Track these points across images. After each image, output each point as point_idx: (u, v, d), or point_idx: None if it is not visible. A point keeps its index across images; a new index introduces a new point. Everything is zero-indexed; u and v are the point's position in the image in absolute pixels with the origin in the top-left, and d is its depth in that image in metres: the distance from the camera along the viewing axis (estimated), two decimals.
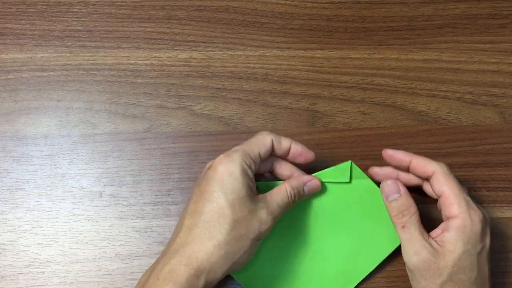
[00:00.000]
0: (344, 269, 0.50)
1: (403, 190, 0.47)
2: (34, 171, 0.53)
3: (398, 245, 0.49)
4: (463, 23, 0.60)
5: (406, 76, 0.58)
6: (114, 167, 0.54)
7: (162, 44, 0.57)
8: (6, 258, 0.51)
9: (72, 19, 0.58)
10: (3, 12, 0.58)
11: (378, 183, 0.50)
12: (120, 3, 0.59)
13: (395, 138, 0.56)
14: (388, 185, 0.48)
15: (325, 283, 0.49)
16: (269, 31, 0.59)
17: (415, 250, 0.45)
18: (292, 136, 0.55)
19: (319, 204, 0.50)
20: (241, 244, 0.43)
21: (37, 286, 0.50)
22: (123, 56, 0.57)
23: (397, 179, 0.49)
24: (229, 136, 0.55)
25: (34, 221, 0.52)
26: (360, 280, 0.50)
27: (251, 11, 0.59)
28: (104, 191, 0.53)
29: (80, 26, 0.58)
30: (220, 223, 0.42)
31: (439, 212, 0.48)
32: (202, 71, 0.57)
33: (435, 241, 0.45)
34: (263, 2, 0.60)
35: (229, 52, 0.58)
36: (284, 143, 0.48)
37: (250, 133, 0.55)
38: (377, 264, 0.50)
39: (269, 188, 0.48)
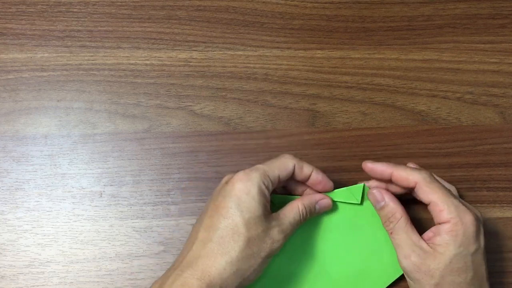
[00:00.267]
0: None
1: (387, 197, 0.47)
2: (34, 171, 0.53)
3: None
4: (463, 23, 0.60)
5: (406, 76, 0.58)
6: (114, 167, 0.54)
7: (162, 44, 0.57)
8: (6, 258, 0.51)
9: (72, 19, 0.58)
10: (3, 12, 0.58)
11: None
12: (120, 3, 0.59)
13: (395, 138, 0.56)
14: (372, 194, 0.48)
15: None
16: (269, 31, 0.59)
17: (404, 254, 0.46)
18: (292, 136, 0.55)
19: (328, 224, 0.50)
20: (253, 261, 0.43)
21: (37, 286, 0.50)
22: (123, 56, 0.57)
23: (389, 180, 0.49)
24: (229, 136, 0.55)
25: (34, 221, 0.52)
26: None
27: (251, 11, 0.59)
28: (104, 191, 0.53)
29: (80, 26, 0.58)
30: (234, 240, 0.42)
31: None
32: (202, 71, 0.57)
33: (427, 243, 0.45)
34: (263, 2, 0.60)
35: (229, 52, 0.58)
36: (306, 170, 0.48)
37: (250, 133, 0.55)
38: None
39: (282, 201, 0.48)
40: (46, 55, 0.57)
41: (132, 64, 0.57)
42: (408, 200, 0.51)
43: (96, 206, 0.53)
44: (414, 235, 0.46)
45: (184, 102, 0.56)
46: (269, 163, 0.46)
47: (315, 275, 0.49)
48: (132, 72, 0.57)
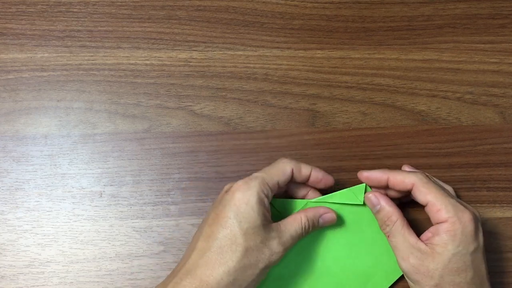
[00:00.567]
0: None
1: (382, 201, 0.47)
2: (34, 171, 0.53)
3: None
4: (463, 23, 0.60)
5: (406, 76, 0.58)
6: (114, 167, 0.54)
7: (162, 44, 0.57)
8: (6, 258, 0.51)
9: (72, 19, 0.58)
10: (3, 12, 0.58)
11: None
12: (120, 3, 0.59)
13: (395, 138, 0.56)
14: (368, 199, 0.48)
15: None
16: (269, 31, 0.59)
17: (402, 256, 0.46)
18: (292, 136, 0.55)
19: (330, 227, 0.50)
20: (250, 272, 0.43)
21: (37, 286, 0.50)
22: (123, 56, 0.57)
23: (387, 186, 0.49)
24: (229, 136, 0.55)
25: (34, 221, 0.52)
26: None
27: (251, 11, 0.59)
28: (104, 191, 0.53)
29: (80, 26, 0.58)
30: (232, 250, 0.43)
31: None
32: (202, 71, 0.57)
33: (425, 243, 0.45)
34: (263, 2, 0.60)
35: (229, 52, 0.58)
36: (304, 171, 0.48)
37: (250, 133, 0.55)
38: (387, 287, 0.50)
39: (282, 205, 0.48)
40: (46, 55, 0.57)
41: (132, 64, 0.57)
42: (404, 202, 0.51)
43: (96, 206, 0.53)
44: (412, 237, 0.46)
45: (184, 102, 0.56)
46: (267, 169, 0.47)
47: (317, 276, 0.49)
48: (132, 72, 0.57)
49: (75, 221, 0.52)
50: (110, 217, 0.52)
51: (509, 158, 0.56)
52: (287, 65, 0.58)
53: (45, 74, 0.56)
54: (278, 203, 0.49)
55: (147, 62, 0.57)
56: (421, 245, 0.45)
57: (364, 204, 0.50)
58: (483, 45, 0.59)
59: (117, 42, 0.57)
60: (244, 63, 0.57)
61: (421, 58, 0.58)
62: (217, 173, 0.54)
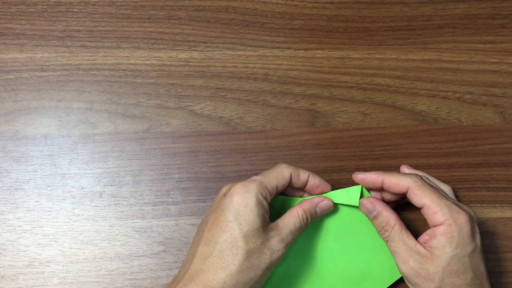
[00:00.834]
0: None
1: (378, 206, 0.47)
2: (34, 171, 0.53)
3: None
4: (463, 23, 0.60)
5: (406, 76, 0.58)
6: (114, 167, 0.54)
7: (162, 44, 0.57)
8: (6, 258, 0.51)
9: (72, 19, 0.58)
10: (3, 12, 0.58)
11: None
12: (120, 3, 0.59)
13: (395, 138, 0.56)
14: (363, 204, 0.48)
15: None
16: (269, 31, 0.59)
17: (402, 260, 0.46)
18: (292, 136, 0.55)
19: (327, 226, 0.50)
20: (252, 274, 0.43)
21: (37, 286, 0.50)
22: (123, 56, 0.57)
23: (382, 188, 0.48)
24: (229, 136, 0.55)
25: (34, 221, 0.52)
26: None
27: (251, 11, 0.59)
28: (104, 191, 0.53)
29: (80, 26, 0.58)
30: (233, 254, 0.43)
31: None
32: (202, 71, 0.57)
33: (424, 247, 0.45)
34: (263, 2, 0.60)
35: (229, 52, 0.58)
36: (302, 177, 0.48)
37: (250, 133, 0.55)
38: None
39: (281, 203, 0.48)
40: (46, 55, 0.57)
41: (132, 64, 0.57)
42: (401, 204, 0.51)
43: (96, 206, 0.53)
44: (410, 240, 0.46)
45: (184, 102, 0.56)
46: (266, 173, 0.47)
47: (314, 278, 0.49)
48: (132, 72, 0.57)
49: (75, 221, 0.52)
50: (110, 217, 0.52)
51: (509, 158, 0.56)
52: (287, 65, 0.58)
53: (45, 74, 0.56)
54: (275, 200, 0.49)
55: (147, 62, 0.57)
56: (420, 248, 0.45)
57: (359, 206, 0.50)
58: (483, 45, 0.59)
59: (117, 42, 0.57)
60: (244, 63, 0.57)
61: (421, 58, 0.58)
62: (217, 173, 0.54)
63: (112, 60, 0.57)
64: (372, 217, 0.48)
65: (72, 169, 0.54)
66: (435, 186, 0.48)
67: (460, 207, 0.46)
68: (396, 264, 0.47)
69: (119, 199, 0.53)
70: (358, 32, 0.59)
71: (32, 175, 0.53)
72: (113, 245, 0.52)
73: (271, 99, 0.57)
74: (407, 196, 0.47)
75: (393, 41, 0.59)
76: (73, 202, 0.53)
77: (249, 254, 0.43)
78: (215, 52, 0.58)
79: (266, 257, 0.44)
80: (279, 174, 0.47)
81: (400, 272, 0.46)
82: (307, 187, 0.49)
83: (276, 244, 0.44)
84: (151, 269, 0.51)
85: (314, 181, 0.48)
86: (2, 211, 0.52)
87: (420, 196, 0.46)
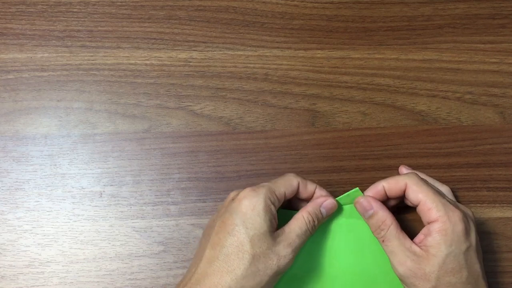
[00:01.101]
0: None
1: (375, 205, 0.47)
2: (34, 171, 0.53)
3: None
4: (463, 23, 0.60)
5: (406, 76, 0.58)
6: (114, 167, 0.54)
7: (162, 44, 0.57)
8: (6, 258, 0.51)
9: (72, 19, 0.58)
10: (3, 12, 0.58)
11: None
12: (120, 3, 0.59)
13: (395, 138, 0.56)
14: (360, 203, 0.48)
15: None
16: (269, 31, 0.59)
17: (399, 261, 0.45)
18: (292, 136, 0.55)
19: (335, 233, 0.49)
20: (258, 279, 0.43)
21: (37, 286, 0.50)
22: (123, 56, 0.57)
23: (386, 196, 0.48)
24: (229, 136, 0.55)
25: (34, 221, 0.52)
26: None
27: (251, 11, 0.59)
28: (104, 191, 0.53)
29: (80, 26, 0.58)
30: (239, 258, 0.43)
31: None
32: (202, 71, 0.57)
33: (419, 246, 0.45)
34: (263, 2, 0.60)
35: (229, 52, 0.58)
36: (310, 188, 0.48)
37: (250, 133, 0.55)
38: None
39: (287, 217, 0.47)
40: (46, 55, 0.57)
41: (132, 64, 0.57)
42: (399, 206, 0.51)
43: (96, 206, 0.53)
44: (406, 241, 0.46)
45: (184, 102, 0.56)
46: (275, 180, 0.47)
47: (322, 284, 0.49)
48: (132, 72, 0.57)
49: (75, 221, 0.52)
50: (110, 217, 0.52)
51: (509, 158, 0.56)
52: (287, 65, 0.58)
53: (45, 74, 0.56)
54: (281, 213, 0.49)
55: (147, 62, 0.57)
56: (416, 248, 0.45)
57: None
58: (483, 45, 0.59)
59: (117, 42, 0.57)
60: (244, 63, 0.57)
61: (421, 58, 0.58)
62: (217, 173, 0.54)
63: (112, 60, 0.57)
64: (368, 216, 0.47)
65: (72, 169, 0.54)
66: (433, 186, 0.48)
67: (455, 205, 0.46)
68: (392, 266, 0.46)
69: (119, 199, 0.53)
70: (358, 32, 0.59)
71: (32, 175, 0.53)
72: (113, 245, 0.52)
73: (271, 99, 0.57)
74: (405, 194, 0.47)
75: (393, 41, 0.59)
76: (73, 202, 0.53)
77: (255, 259, 0.43)
78: (215, 52, 0.58)
79: (273, 263, 0.43)
80: (288, 182, 0.47)
81: (397, 273, 0.46)
82: (313, 198, 0.48)
83: (283, 249, 0.44)
84: (151, 269, 0.51)
85: (320, 193, 0.48)
86: (2, 211, 0.52)
87: (417, 192, 0.46)
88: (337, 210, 0.49)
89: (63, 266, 0.51)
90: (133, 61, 0.57)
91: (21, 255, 0.51)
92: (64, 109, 0.55)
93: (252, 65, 0.57)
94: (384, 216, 0.47)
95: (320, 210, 0.47)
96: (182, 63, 0.57)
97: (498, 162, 0.55)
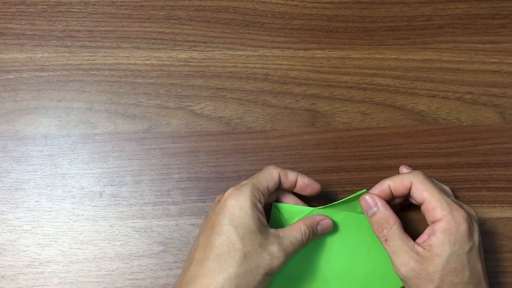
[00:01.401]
0: None
1: (380, 203, 0.47)
2: (34, 171, 0.53)
3: None
4: (463, 23, 0.60)
5: (406, 76, 0.58)
6: (114, 167, 0.54)
7: (162, 44, 0.57)
8: (6, 258, 0.51)
9: (72, 19, 0.58)
10: (3, 12, 0.58)
11: None
12: (120, 3, 0.59)
13: (395, 138, 0.56)
14: (364, 200, 0.48)
15: None
16: (269, 31, 0.59)
17: (402, 261, 0.45)
18: (292, 136, 0.55)
19: (332, 234, 0.50)
20: (251, 278, 0.43)
21: (37, 286, 0.50)
22: (123, 56, 0.57)
23: (391, 195, 0.48)
24: (229, 136, 0.55)
25: (34, 221, 0.52)
26: None
27: (251, 11, 0.59)
28: (104, 191, 0.53)
29: (80, 26, 0.58)
30: (231, 256, 0.42)
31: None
32: (202, 71, 0.57)
33: (422, 246, 0.45)
34: (263, 2, 0.60)
35: (229, 52, 0.58)
36: (291, 177, 0.48)
37: (250, 133, 0.55)
38: None
39: (290, 212, 0.48)
40: (46, 55, 0.57)
41: (132, 64, 0.57)
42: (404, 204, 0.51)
43: (96, 206, 0.53)
44: (409, 241, 0.45)
45: (184, 102, 0.56)
46: (255, 176, 0.47)
47: (317, 283, 0.49)
48: (132, 72, 0.57)
49: (75, 221, 0.52)
50: (110, 217, 0.52)
51: (509, 158, 0.56)
52: (287, 65, 0.58)
53: (45, 74, 0.56)
54: (284, 208, 0.49)
55: (147, 62, 0.57)
56: (419, 248, 0.45)
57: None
58: (483, 45, 0.59)
59: (117, 42, 0.57)
60: (244, 63, 0.57)
61: (421, 58, 0.58)
62: (217, 173, 0.54)
63: (112, 60, 0.57)
64: (372, 214, 0.47)
65: (72, 169, 0.54)
66: (438, 184, 0.48)
67: (460, 205, 0.46)
68: (394, 266, 0.46)
69: (119, 199, 0.53)
70: (358, 32, 0.59)
71: (32, 175, 0.53)
72: (113, 245, 0.52)
73: (271, 99, 0.57)
74: (410, 193, 0.47)
75: (393, 41, 0.59)
76: (73, 202, 0.53)
77: (246, 256, 0.43)
78: (215, 52, 0.58)
79: (265, 262, 0.43)
80: (268, 175, 0.47)
81: (399, 274, 0.46)
82: (297, 187, 0.49)
83: (276, 250, 0.44)
84: (151, 269, 0.51)
85: (303, 181, 0.49)
86: (2, 211, 0.52)
87: (422, 190, 0.46)
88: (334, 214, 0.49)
89: (63, 266, 0.51)
90: (133, 61, 0.57)
91: (21, 255, 0.51)
92: (64, 109, 0.55)
93: (252, 65, 0.57)
94: (387, 214, 0.46)
95: (317, 227, 0.48)
96: (182, 63, 0.57)
97: (498, 162, 0.55)
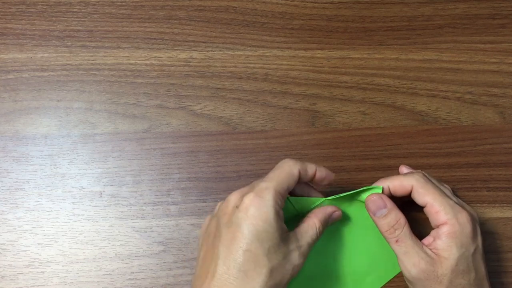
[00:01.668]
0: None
1: (389, 204, 0.46)
2: (34, 171, 0.53)
3: None
4: (463, 23, 0.60)
5: (406, 76, 0.58)
6: (114, 167, 0.54)
7: (162, 44, 0.57)
8: (6, 258, 0.51)
9: (72, 19, 0.58)
10: (3, 12, 0.58)
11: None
12: (120, 3, 0.59)
13: (395, 138, 0.56)
14: (373, 201, 0.46)
15: None
16: (269, 31, 0.59)
17: (413, 262, 0.44)
18: (292, 136, 0.55)
19: (341, 224, 0.50)
20: None
21: (37, 286, 0.50)
22: (123, 56, 0.57)
23: (390, 194, 0.48)
24: (229, 136, 0.55)
25: (34, 221, 0.52)
26: None
27: (251, 11, 0.59)
28: (104, 191, 0.53)
29: (80, 26, 0.58)
30: (257, 273, 0.40)
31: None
32: (202, 71, 0.57)
33: (429, 249, 0.45)
34: (263, 2, 0.60)
35: (229, 52, 0.58)
36: (310, 171, 0.46)
37: (250, 133, 0.55)
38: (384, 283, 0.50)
39: (301, 204, 0.47)
40: (46, 55, 0.57)
41: (132, 64, 0.57)
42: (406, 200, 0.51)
43: (96, 206, 0.53)
44: (418, 242, 0.45)
45: (184, 102, 0.56)
46: (275, 176, 0.44)
47: (316, 274, 0.49)
48: (132, 72, 0.57)
49: (75, 221, 0.52)
50: (110, 217, 0.52)
51: (509, 158, 0.56)
52: (287, 65, 0.58)
53: (45, 74, 0.56)
54: (295, 200, 0.48)
55: (147, 62, 0.57)
56: (428, 250, 0.44)
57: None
58: (483, 45, 0.59)
59: (117, 42, 0.57)
60: (244, 63, 0.57)
61: (421, 58, 0.58)
62: (217, 173, 0.54)
63: (112, 60, 0.57)
64: (381, 215, 0.46)
65: (72, 169, 0.54)
66: (439, 185, 0.48)
67: (462, 206, 0.45)
68: (404, 268, 0.45)
69: (119, 199, 0.53)
70: (358, 32, 0.59)
71: (32, 175, 0.53)
72: (113, 245, 0.52)
73: (271, 99, 0.57)
74: (411, 195, 0.47)
75: (393, 41, 0.59)
76: (73, 202, 0.53)
77: (272, 272, 0.41)
78: (215, 52, 0.58)
79: (287, 273, 0.42)
80: (289, 174, 0.44)
81: (408, 275, 0.45)
82: (315, 180, 0.47)
83: (297, 258, 0.42)
84: (151, 269, 0.51)
85: (321, 173, 0.46)
86: (2, 211, 0.52)
87: (423, 195, 0.46)
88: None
89: (63, 266, 0.51)
90: (133, 61, 0.57)
91: (21, 255, 0.51)
92: (64, 109, 0.55)
93: (252, 65, 0.57)
94: (398, 215, 0.46)
95: (328, 220, 0.46)
96: (182, 63, 0.57)
97: (498, 162, 0.55)
